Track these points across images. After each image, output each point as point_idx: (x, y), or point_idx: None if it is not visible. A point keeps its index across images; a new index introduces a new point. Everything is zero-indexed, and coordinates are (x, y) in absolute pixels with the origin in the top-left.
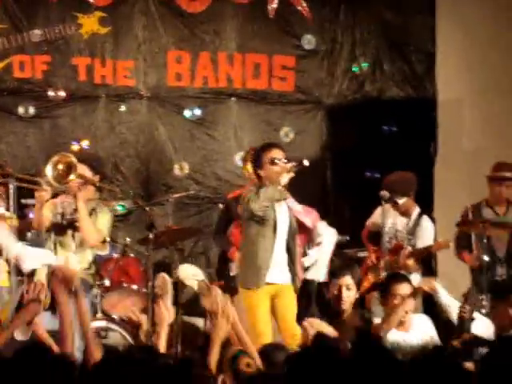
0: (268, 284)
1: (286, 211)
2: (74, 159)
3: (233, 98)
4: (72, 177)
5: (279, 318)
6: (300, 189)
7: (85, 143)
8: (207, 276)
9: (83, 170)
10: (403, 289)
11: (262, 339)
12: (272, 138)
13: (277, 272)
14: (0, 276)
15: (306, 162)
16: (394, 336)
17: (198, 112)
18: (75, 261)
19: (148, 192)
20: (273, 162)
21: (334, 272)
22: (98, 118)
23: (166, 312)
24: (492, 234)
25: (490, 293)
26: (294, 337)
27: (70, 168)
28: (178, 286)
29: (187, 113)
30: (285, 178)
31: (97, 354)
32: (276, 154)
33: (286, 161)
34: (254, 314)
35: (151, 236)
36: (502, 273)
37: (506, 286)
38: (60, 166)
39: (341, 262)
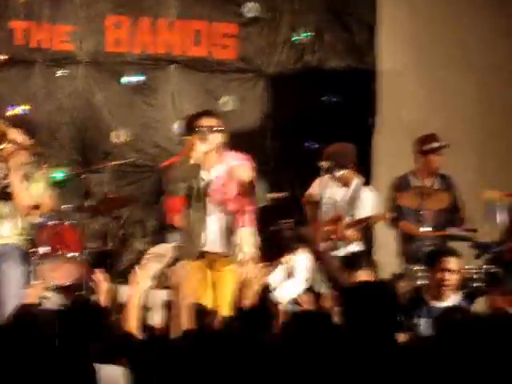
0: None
1: (214, 180)
2: (5, 127)
3: (172, 65)
4: (3, 145)
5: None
6: None
7: (22, 108)
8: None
9: (17, 134)
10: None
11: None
12: (212, 107)
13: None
14: None
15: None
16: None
17: (136, 79)
18: (8, 227)
19: (85, 159)
20: (199, 130)
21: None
22: (35, 83)
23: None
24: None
25: (421, 263)
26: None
27: (1, 135)
28: None
29: (125, 79)
30: (200, 148)
31: None
32: (206, 122)
33: (217, 129)
34: None
35: (88, 203)
36: (429, 243)
37: (435, 254)
38: None
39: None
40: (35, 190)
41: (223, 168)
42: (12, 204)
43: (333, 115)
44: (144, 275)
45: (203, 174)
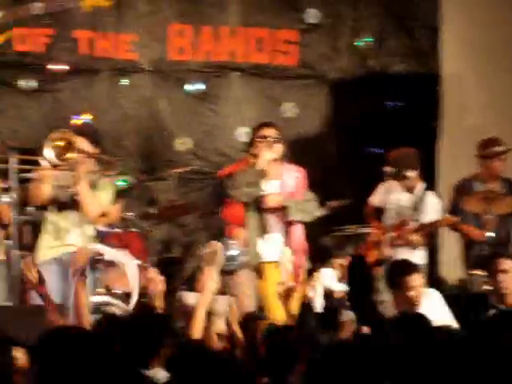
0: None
1: (276, 189)
2: (73, 136)
3: (235, 73)
4: (71, 154)
5: None
6: (304, 165)
7: (86, 117)
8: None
9: (83, 143)
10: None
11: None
12: (274, 113)
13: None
14: None
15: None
16: None
17: (199, 86)
18: (76, 235)
19: (150, 167)
20: (262, 140)
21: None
22: (100, 91)
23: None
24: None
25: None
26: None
27: (69, 144)
28: None
29: (188, 87)
30: (266, 156)
31: None
32: (267, 132)
33: (277, 139)
34: None
35: (153, 211)
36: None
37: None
38: (59, 143)
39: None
40: (102, 198)
41: (278, 183)
42: (80, 212)
43: (396, 120)
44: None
45: (263, 184)
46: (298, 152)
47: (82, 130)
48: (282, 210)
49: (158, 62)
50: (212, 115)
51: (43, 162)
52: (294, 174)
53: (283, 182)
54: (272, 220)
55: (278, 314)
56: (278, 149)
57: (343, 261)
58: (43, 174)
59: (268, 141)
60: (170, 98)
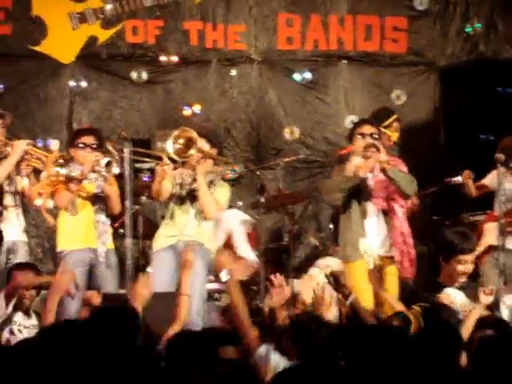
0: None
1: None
2: (194, 134)
3: (344, 61)
4: (192, 151)
5: None
6: (413, 152)
7: (196, 108)
8: (320, 239)
9: (202, 143)
10: None
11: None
12: (383, 101)
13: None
14: (107, 239)
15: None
16: None
17: (308, 75)
18: (194, 226)
19: (258, 156)
20: (361, 137)
21: None
22: (210, 82)
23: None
24: None
25: None
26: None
27: (190, 142)
28: None
29: (297, 76)
30: (354, 161)
31: None
32: (366, 129)
33: (376, 136)
34: None
35: (262, 200)
36: None
37: None
38: (180, 141)
39: None
40: (220, 197)
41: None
42: (198, 207)
43: (508, 107)
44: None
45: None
46: (407, 140)
47: (201, 131)
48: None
49: (266, 51)
50: (320, 104)
51: (165, 159)
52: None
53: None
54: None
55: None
56: (379, 147)
57: (469, 257)
58: (164, 171)
59: (373, 138)
60: (278, 88)
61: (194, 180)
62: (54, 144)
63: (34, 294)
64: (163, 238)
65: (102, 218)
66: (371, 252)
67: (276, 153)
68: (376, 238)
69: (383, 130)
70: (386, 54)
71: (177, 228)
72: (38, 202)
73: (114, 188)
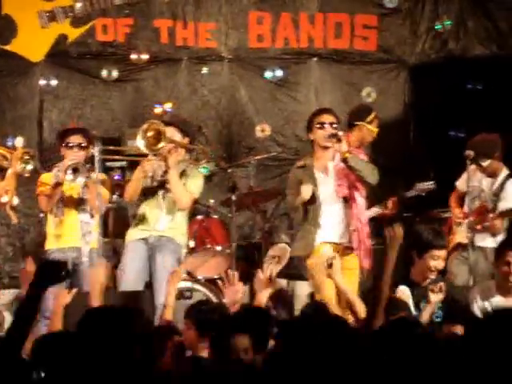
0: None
1: (329, 185)
2: (162, 127)
3: (314, 59)
4: (162, 144)
5: None
6: (384, 150)
7: (168, 106)
8: (291, 237)
9: (172, 132)
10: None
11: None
12: (354, 99)
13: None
14: (91, 238)
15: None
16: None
17: (279, 73)
18: (166, 221)
19: (230, 154)
20: (321, 127)
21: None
22: (180, 80)
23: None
24: None
25: None
26: None
27: (159, 134)
28: None
29: (268, 74)
30: (343, 147)
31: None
32: (325, 118)
33: (335, 126)
34: None
35: (234, 198)
36: None
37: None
38: (149, 133)
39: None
40: (193, 187)
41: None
42: (170, 199)
43: (478, 104)
44: None
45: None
46: (378, 138)
47: (170, 120)
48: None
49: (237, 49)
50: (291, 101)
51: (150, 156)
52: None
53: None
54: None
55: None
56: (343, 134)
57: (442, 252)
58: (148, 166)
59: (329, 129)
60: (249, 86)
61: (165, 172)
62: (18, 141)
63: None
64: (136, 231)
65: (86, 218)
66: (327, 248)
67: (247, 150)
68: (336, 227)
69: (367, 125)
70: (356, 52)
71: (149, 223)
72: (3, 199)
73: (103, 190)
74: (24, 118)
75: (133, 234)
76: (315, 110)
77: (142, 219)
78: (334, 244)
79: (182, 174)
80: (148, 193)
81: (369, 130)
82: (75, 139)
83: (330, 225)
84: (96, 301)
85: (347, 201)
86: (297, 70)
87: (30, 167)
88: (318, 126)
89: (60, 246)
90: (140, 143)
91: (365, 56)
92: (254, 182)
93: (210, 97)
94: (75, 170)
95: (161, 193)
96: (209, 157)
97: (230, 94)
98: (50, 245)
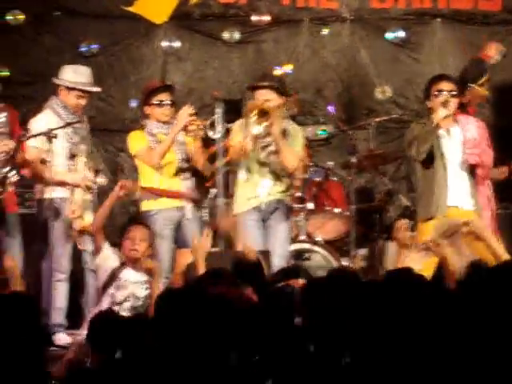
0: None
1: (456, 141)
2: (264, 106)
3: (437, 19)
4: (268, 122)
5: None
6: (505, 110)
7: (288, 68)
8: (410, 200)
9: (267, 94)
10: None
11: None
12: None
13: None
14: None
15: None
16: None
17: (400, 34)
18: (272, 184)
19: (350, 116)
20: (439, 95)
21: None
22: (301, 42)
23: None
24: None
25: None
26: None
27: (263, 113)
28: None
29: (389, 35)
30: (440, 113)
31: None
32: (444, 86)
33: (455, 93)
34: None
35: (353, 160)
36: None
37: None
38: (253, 114)
39: None
40: (297, 147)
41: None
42: (276, 162)
43: None
44: None
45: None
46: (499, 98)
47: (265, 81)
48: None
49: (358, 10)
50: (413, 63)
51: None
52: (475, 124)
53: (464, 130)
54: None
55: None
56: (454, 104)
57: None
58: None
59: (444, 95)
60: (370, 47)
61: (268, 134)
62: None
63: (145, 248)
64: (244, 201)
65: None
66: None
67: (368, 112)
68: (463, 193)
69: (476, 87)
70: (479, 13)
71: (254, 188)
72: None
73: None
74: (147, 80)
75: (242, 204)
76: (433, 76)
77: (249, 184)
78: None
79: (283, 133)
80: (252, 156)
81: (479, 92)
82: (163, 96)
83: (457, 187)
84: (201, 266)
85: (473, 168)
86: (419, 30)
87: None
88: (436, 93)
89: (163, 206)
90: (255, 130)
91: (489, 17)
92: (374, 145)
93: (331, 58)
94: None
95: (265, 155)
96: (300, 106)
97: (351, 56)
98: (152, 205)
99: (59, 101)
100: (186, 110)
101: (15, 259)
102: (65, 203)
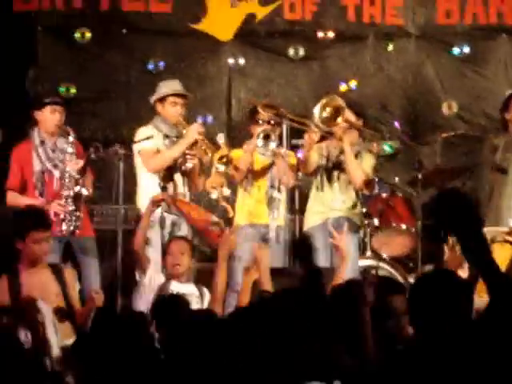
0: None
1: None
2: (342, 103)
3: (503, 35)
4: (339, 120)
5: None
6: None
7: (353, 84)
8: None
9: (350, 114)
10: None
11: None
12: None
13: None
14: (279, 215)
15: None
16: None
17: (466, 49)
18: (340, 201)
19: (415, 131)
20: None
21: None
22: (366, 57)
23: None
24: None
25: None
26: None
27: (337, 111)
28: None
29: (456, 50)
30: None
31: None
32: None
33: None
34: None
35: (419, 176)
36: None
37: None
38: (328, 109)
39: None
40: (366, 166)
41: None
42: (344, 179)
43: None
44: None
45: None
46: None
47: (347, 102)
48: None
49: (424, 26)
50: (479, 78)
51: (313, 127)
52: None
53: None
54: None
55: None
56: None
57: None
58: (312, 141)
59: None
60: (436, 62)
61: (341, 153)
62: (220, 137)
63: (188, 262)
64: (313, 215)
65: (275, 193)
66: None
67: (433, 128)
68: None
69: None
70: None
71: (324, 203)
72: (214, 195)
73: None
74: (213, 96)
75: (312, 219)
76: None
77: (318, 197)
78: None
79: (356, 155)
80: (323, 172)
81: None
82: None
83: None
84: (267, 283)
85: None
86: (485, 45)
87: (222, 168)
88: None
89: (248, 221)
90: (317, 115)
91: None
92: (440, 160)
93: (396, 74)
94: (266, 137)
95: (335, 173)
96: (378, 141)
97: (416, 71)
98: (240, 220)
99: (159, 118)
100: (197, 127)
101: (99, 291)
102: None
